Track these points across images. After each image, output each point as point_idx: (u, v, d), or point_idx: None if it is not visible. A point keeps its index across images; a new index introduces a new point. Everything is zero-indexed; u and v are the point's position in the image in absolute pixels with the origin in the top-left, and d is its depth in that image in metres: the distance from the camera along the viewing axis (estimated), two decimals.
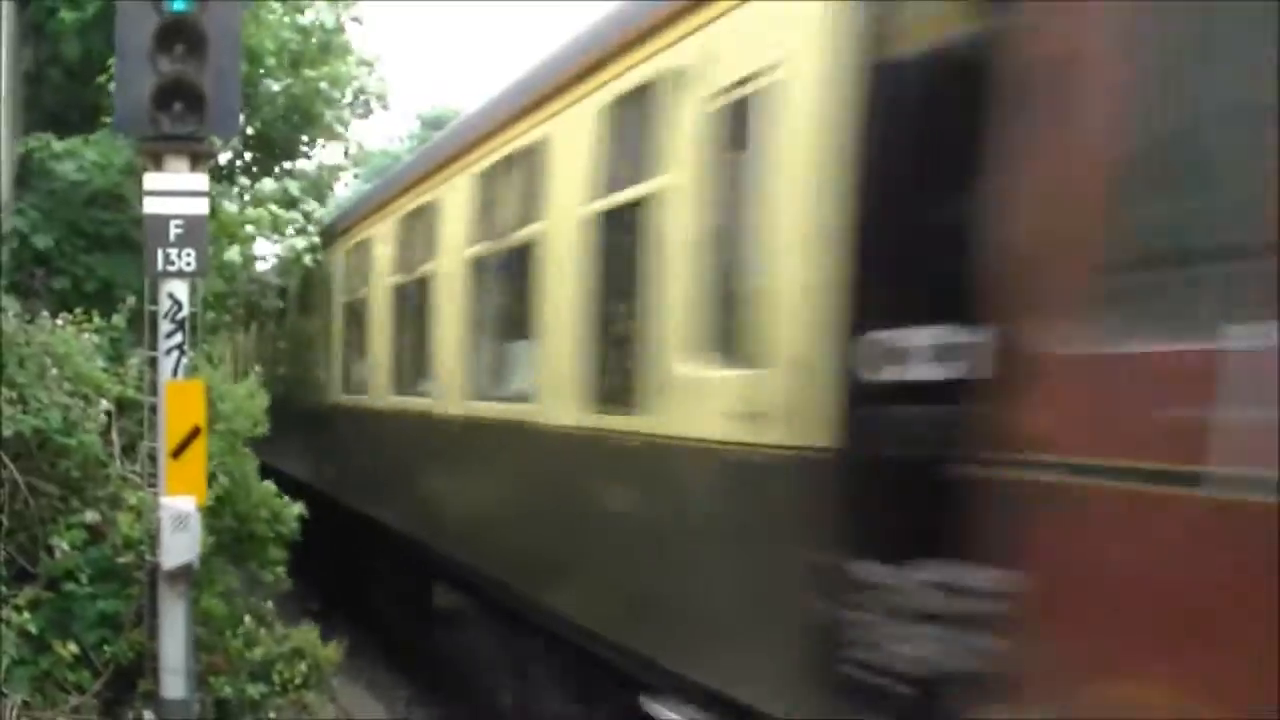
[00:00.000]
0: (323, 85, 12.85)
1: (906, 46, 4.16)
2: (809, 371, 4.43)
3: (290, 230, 12.80)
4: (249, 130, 12.40)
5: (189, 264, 7.25)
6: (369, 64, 13.98)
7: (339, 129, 13.56)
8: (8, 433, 7.46)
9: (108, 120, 10.07)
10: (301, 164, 13.85)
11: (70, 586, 7.50)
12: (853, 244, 4.24)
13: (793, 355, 4.56)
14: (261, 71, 11.94)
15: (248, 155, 13.19)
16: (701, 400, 5.21)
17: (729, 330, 5.07)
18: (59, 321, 8.28)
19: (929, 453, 3.78)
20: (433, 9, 78.01)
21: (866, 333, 4.14)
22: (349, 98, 13.72)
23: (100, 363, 8.22)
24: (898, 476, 4.00)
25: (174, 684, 7.29)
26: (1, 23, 9.92)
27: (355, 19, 13.63)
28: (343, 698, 9.72)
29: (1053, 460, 3.37)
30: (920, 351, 4.01)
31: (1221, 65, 3.11)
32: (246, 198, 12.25)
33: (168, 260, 7.22)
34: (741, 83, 5.00)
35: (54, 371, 7.76)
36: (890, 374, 4.08)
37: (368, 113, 14.18)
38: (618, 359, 6.19)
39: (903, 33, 4.15)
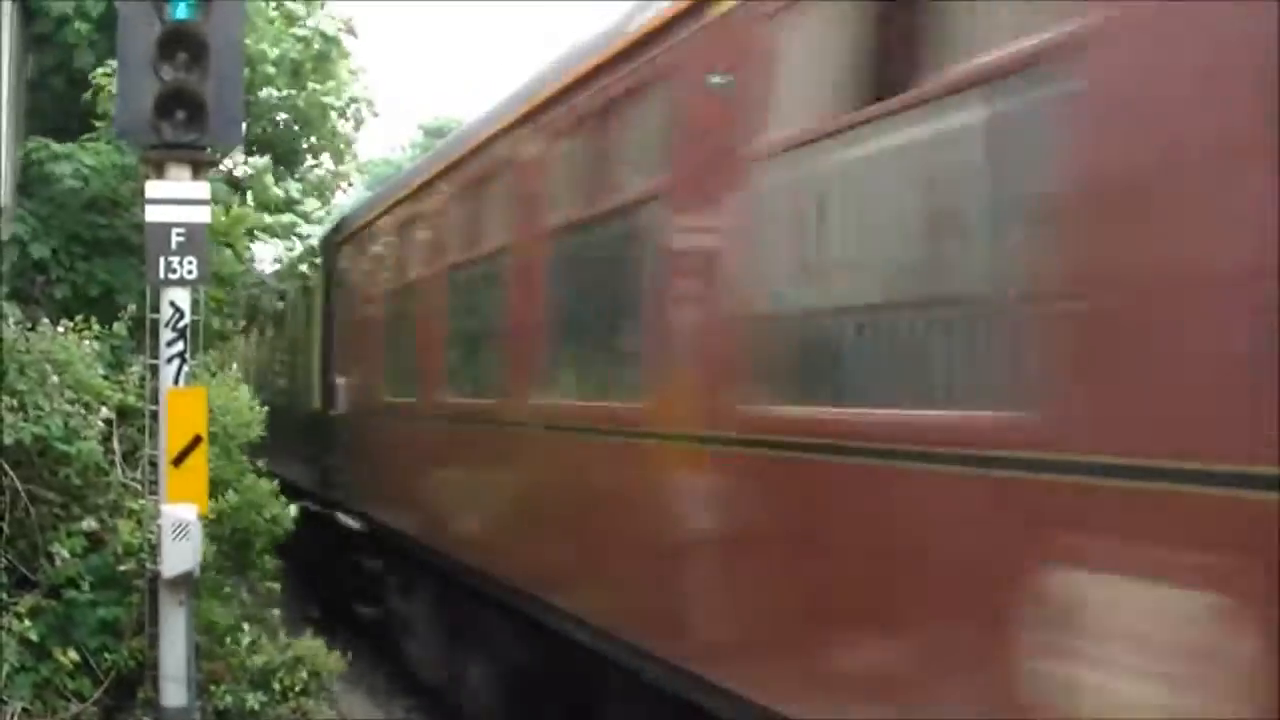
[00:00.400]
0: (326, 98, 12.89)
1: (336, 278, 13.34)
2: (320, 386, 13.76)
3: (279, 233, 12.92)
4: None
5: (190, 272, 7.27)
6: (354, 73, 14.05)
7: (343, 135, 13.63)
8: (8, 440, 7.47)
9: (99, 124, 10.09)
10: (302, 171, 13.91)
11: (71, 594, 7.53)
12: (328, 348, 13.54)
13: (317, 381, 13.95)
14: (264, 78, 11.95)
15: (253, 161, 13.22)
16: (316, 395, 13.99)
17: (308, 371, 14.66)
18: (60, 329, 8.27)
19: (338, 410, 12.60)
20: (435, 18, 78.13)
21: (332, 377, 12.99)
22: (343, 103, 13.77)
23: (101, 370, 8.22)
24: (334, 417, 12.69)
25: (174, 692, 7.30)
26: (3, 32, 9.93)
27: (349, 30, 13.66)
28: (342, 704, 9.72)
29: (343, 411, 12.42)
30: (339, 383, 12.57)
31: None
32: (248, 202, 12.25)
33: (169, 268, 7.24)
34: (312, 289, 14.66)
35: (55, 379, 7.77)
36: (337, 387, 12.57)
37: (359, 121, 14.25)
38: (319, 383, 14.33)
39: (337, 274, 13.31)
